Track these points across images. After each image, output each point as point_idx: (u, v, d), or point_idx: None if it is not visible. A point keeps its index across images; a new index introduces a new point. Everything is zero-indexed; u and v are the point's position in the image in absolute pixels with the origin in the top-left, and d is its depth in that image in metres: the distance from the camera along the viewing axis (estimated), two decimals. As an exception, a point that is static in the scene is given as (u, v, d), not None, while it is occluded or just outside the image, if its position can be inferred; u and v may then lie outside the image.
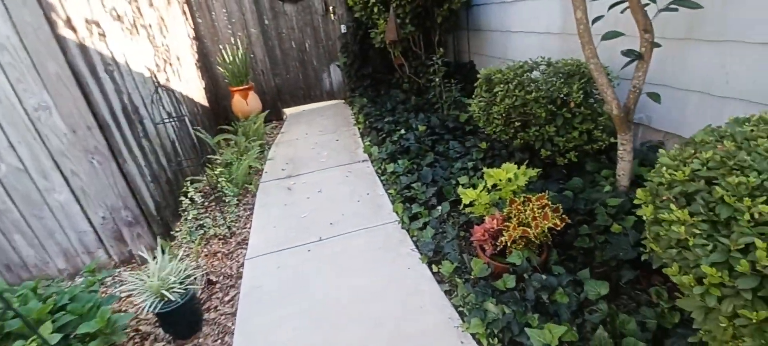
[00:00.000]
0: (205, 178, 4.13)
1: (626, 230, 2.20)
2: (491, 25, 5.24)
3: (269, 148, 5.18)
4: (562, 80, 2.90)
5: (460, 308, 2.08)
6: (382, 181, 3.77)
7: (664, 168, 1.44)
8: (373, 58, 6.46)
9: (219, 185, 3.82)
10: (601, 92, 2.37)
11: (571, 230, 2.38)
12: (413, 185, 3.33)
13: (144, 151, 3.31)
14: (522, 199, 2.34)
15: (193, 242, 3.20)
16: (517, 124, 3.04)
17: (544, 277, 2.04)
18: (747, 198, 1.12)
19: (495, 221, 2.30)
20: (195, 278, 2.62)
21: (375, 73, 6.58)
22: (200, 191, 4.02)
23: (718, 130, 1.50)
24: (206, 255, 3.12)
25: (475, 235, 2.37)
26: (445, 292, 2.27)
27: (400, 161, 3.74)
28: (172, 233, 3.42)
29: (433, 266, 2.45)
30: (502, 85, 3.05)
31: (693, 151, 1.43)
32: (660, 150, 1.66)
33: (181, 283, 2.24)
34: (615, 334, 1.79)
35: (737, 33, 2.45)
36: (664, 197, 1.37)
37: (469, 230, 2.81)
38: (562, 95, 2.81)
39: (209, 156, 4.60)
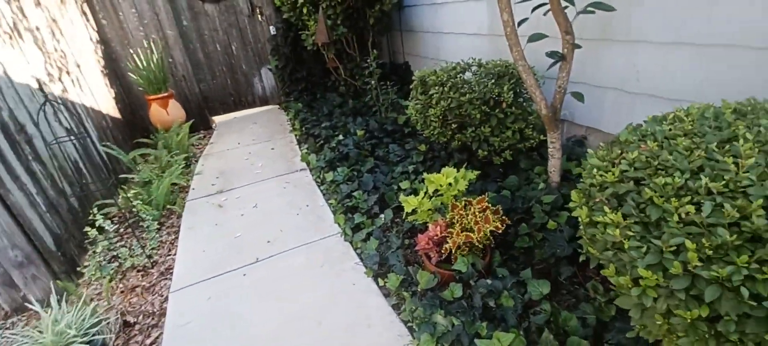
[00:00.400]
0: (117, 201, 3.65)
1: (561, 226, 2.28)
2: (423, 27, 5.28)
3: (196, 162, 4.74)
4: (493, 81, 2.95)
5: (409, 324, 2.00)
6: (321, 190, 3.59)
7: (595, 169, 1.46)
8: (307, 61, 6.22)
9: (135, 208, 3.38)
10: (529, 93, 2.43)
11: (511, 229, 2.41)
12: (354, 194, 3.20)
13: (35, 176, 2.81)
14: (463, 203, 2.32)
15: (104, 277, 2.78)
16: (453, 126, 3.05)
17: (489, 282, 2.03)
18: (674, 199, 1.15)
19: (438, 228, 2.25)
20: (108, 323, 2.26)
21: (310, 77, 6.34)
22: (112, 217, 3.54)
23: (640, 129, 1.57)
24: (122, 292, 2.73)
25: (419, 244, 2.31)
26: (393, 306, 2.18)
27: (339, 169, 3.59)
28: (79, 269, 2.95)
29: (379, 280, 2.35)
30: (437, 88, 3.04)
31: (620, 151, 1.47)
32: (588, 151, 1.70)
33: (84, 335, 1.90)
34: (558, 333, 1.82)
35: (641, 33, 2.65)
36: (597, 199, 1.39)
37: (414, 238, 2.75)
38: (494, 96, 2.86)
39: (124, 176, 4.08)
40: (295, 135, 5.08)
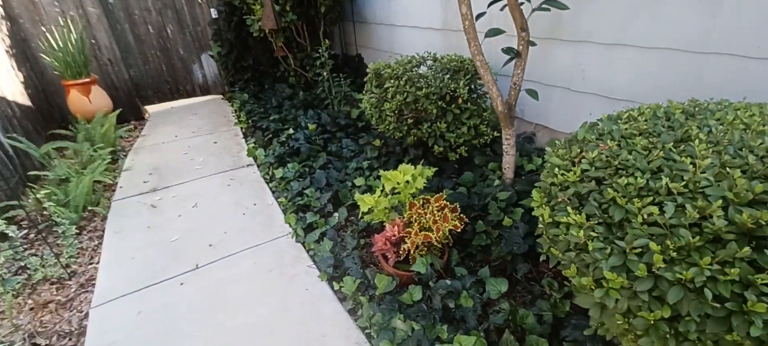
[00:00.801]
0: (25, 202, 3.15)
1: (516, 222, 2.29)
2: (376, 18, 5.15)
3: (125, 156, 4.26)
4: (449, 76, 2.91)
5: (367, 330, 1.89)
6: (270, 188, 3.36)
7: (556, 169, 1.44)
8: (253, 49, 5.84)
9: (47, 210, 2.93)
10: (486, 89, 2.41)
11: (468, 227, 2.39)
12: (306, 191, 3.03)
13: None
14: (421, 201, 2.25)
15: (7, 293, 2.37)
16: (409, 121, 2.97)
17: (448, 282, 1.97)
18: (636, 199, 1.15)
19: (396, 228, 2.16)
20: (10, 348, 1.92)
21: (257, 66, 5.97)
22: (19, 222, 3.05)
23: (596, 127, 1.58)
24: (32, 309, 2.34)
25: (376, 245, 2.21)
26: (350, 312, 2.06)
27: (290, 165, 3.38)
28: (-26, 284, 2.49)
29: (334, 284, 2.22)
30: (392, 81, 2.94)
31: (579, 150, 1.46)
32: (547, 149, 1.69)
33: (-24, 369, 1.57)
34: (516, 331, 1.81)
35: (587, 33, 2.74)
36: (560, 199, 1.37)
37: (370, 238, 2.64)
38: (450, 91, 2.82)
39: (35, 172, 3.54)
40: (241, 128, 4.74)
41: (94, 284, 2.45)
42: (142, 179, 3.73)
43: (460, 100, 2.83)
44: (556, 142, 1.81)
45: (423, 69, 3.10)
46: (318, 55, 5.36)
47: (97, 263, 2.66)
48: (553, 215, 1.37)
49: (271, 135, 4.14)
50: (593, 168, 1.33)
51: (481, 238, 2.25)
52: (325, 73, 4.37)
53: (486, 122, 2.96)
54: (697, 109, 1.48)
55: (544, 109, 3.30)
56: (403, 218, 2.25)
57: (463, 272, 2.09)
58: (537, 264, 2.19)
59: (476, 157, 3.12)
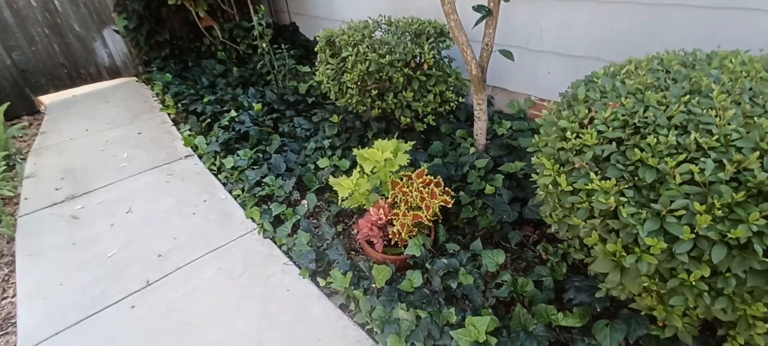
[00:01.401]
0: None
1: (499, 189, 2.24)
2: (313, -19, 4.72)
3: (24, 161, 3.50)
4: (412, 41, 2.72)
5: (368, 326, 1.74)
6: (221, 180, 2.97)
7: (567, 132, 1.36)
8: (168, 20, 5.08)
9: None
10: (460, 52, 2.27)
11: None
12: (265, 180, 2.71)
13: None
14: (404, 179, 2.10)
15: None
16: (374, 92, 2.76)
17: (445, 261, 1.87)
18: (668, 158, 1.10)
19: (381, 210, 1.99)
20: None
21: (175, 40, 5.23)
22: None
23: (595, 84, 1.52)
24: (-74, 371, 1.82)
25: (360, 231, 2.02)
26: (342, 308, 1.88)
27: (240, 152, 3.00)
28: None
29: (319, 279, 2.01)
30: (350, 49, 2.68)
31: (588, 110, 1.39)
32: (544, 111, 1.61)
33: None
34: (519, 300, 1.78)
35: (546, -10, 2.71)
36: (577, 165, 1.30)
37: (348, 223, 2.45)
38: (415, 56, 2.64)
39: None
40: (169, 113, 4.13)
41: (14, 324, 1.98)
42: (53, 185, 3.09)
43: (425, 66, 2.67)
44: (550, 103, 1.75)
45: (378, 34, 2.86)
46: (250, 24, 4.82)
47: (13, 296, 2.15)
48: (572, 181, 1.29)
49: (209, 119, 3.65)
50: (610, 128, 1.26)
51: (467, 210, 2.17)
52: (264, 45, 3.92)
53: (451, 88, 2.85)
54: (691, 59, 1.47)
55: (502, 71, 3.26)
56: (387, 198, 2.08)
57: (455, 248, 2.00)
58: (522, 228, 2.17)
59: (442, 126, 3.02)
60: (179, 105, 4.07)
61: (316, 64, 3.05)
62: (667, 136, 1.12)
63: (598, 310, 1.58)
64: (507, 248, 2.09)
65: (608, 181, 1.18)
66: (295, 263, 2.15)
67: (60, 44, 4.82)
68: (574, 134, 1.32)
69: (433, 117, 2.86)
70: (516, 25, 2.96)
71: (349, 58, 2.65)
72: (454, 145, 2.84)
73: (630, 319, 1.50)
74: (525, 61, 3.08)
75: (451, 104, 2.89)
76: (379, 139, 2.98)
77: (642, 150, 1.15)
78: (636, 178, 1.15)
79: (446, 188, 2.09)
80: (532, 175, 1.55)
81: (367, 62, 2.59)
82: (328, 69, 2.86)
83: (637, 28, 2.34)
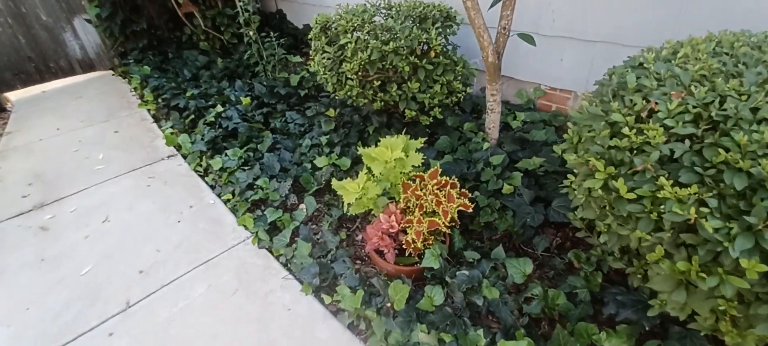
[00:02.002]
0: None
1: (518, 189, 2.04)
2: (302, -37, 4.42)
3: (-13, 165, 3.17)
4: (417, 26, 2.48)
5: (384, 352, 1.53)
6: (208, 183, 2.70)
7: (625, 127, 1.15)
8: (145, 8, 4.72)
9: None
10: (476, 36, 2.05)
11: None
12: (258, 182, 2.46)
13: None
14: (417, 180, 1.88)
15: None
16: (376, 83, 2.51)
17: (466, 273, 1.67)
18: (763, 159, 0.90)
19: (393, 217, 1.77)
20: None
21: (153, 30, 4.87)
22: None
23: (646, 69, 1.31)
24: None
25: (369, 241, 1.80)
26: (351, 327, 1.67)
27: (229, 151, 2.74)
28: None
29: (324, 296, 1.79)
30: (349, 35, 2.42)
31: (644, 100, 1.18)
32: (583, 102, 1.41)
33: None
34: (550, 316, 1.59)
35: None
36: (640, 167, 1.09)
37: (349, 226, 2.23)
38: (421, 43, 2.41)
39: None
40: (149, 110, 3.81)
41: (-31, 362, 1.71)
42: (20, 192, 2.78)
43: (432, 54, 2.44)
44: (585, 93, 1.54)
45: (377, 19, 2.61)
46: (234, 11, 4.50)
47: (-30, 327, 1.87)
48: (633, 186, 1.09)
49: (192, 116, 3.36)
50: (679, 123, 1.06)
51: (486, 213, 1.96)
52: (251, 34, 3.62)
53: (459, 78, 2.62)
54: (757, 41, 1.27)
55: (509, 58, 3.04)
56: (398, 202, 1.86)
57: (474, 256, 1.80)
58: (547, 232, 1.98)
59: (448, 119, 2.80)
60: (160, 100, 3.75)
61: (311, 53, 2.78)
62: (762, 132, 0.92)
63: (647, 329, 1.40)
64: (530, 254, 1.90)
65: (683, 188, 0.98)
66: (295, 277, 1.92)
67: (26, 36, 4.42)
68: (633, 130, 1.11)
69: (440, 109, 2.63)
70: (524, 7, 2.74)
71: (348, 45, 2.40)
72: (463, 139, 2.62)
73: (684, 338, 1.33)
74: (536, 48, 2.86)
75: (459, 95, 2.66)
76: (386, 136, 2.76)
77: (727, 150, 0.95)
78: (721, 184, 0.95)
79: (463, 190, 1.88)
80: (566, 175, 1.35)
81: (369, 50, 2.34)
82: (324, 58, 2.60)
83: (663, 8, 2.14)
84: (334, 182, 1.92)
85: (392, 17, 2.62)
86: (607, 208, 1.21)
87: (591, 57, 2.61)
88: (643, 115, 1.16)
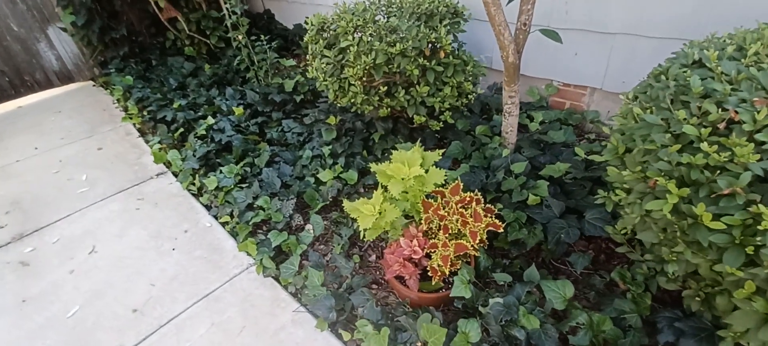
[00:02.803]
0: None
1: (545, 200, 1.88)
2: (291, -40, 4.19)
3: (-42, 193, 2.90)
4: (423, 24, 2.29)
5: (417, 400, 1.35)
6: (203, 203, 2.49)
7: (704, 143, 0.98)
8: (124, 14, 4.45)
9: None
10: (496, 35, 1.87)
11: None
12: (258, 202, 2.25)
13: None
14: (438, 198, 1.70)
15: None
16: (382, 89, 2.32)
17: (500, 301, 1.50)
18: None
19: (415, 240, 1.59)
20: None
21: (134, 36, 4.60)
22: None
23: (710, 70, 1.14)
24: None
25: (389, 267, 1.62)
26: (375, 370, 1.49)
27: (224, 168, 2.52)
28: None
29: (343, 332, 1.60)
30: (351, 37, 2.22)
31: (719, 109, 1.01)
32: (633, 107, 1.24)
33: None
34: (597, 343, 1.44)
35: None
36: (727, 190, 0.92)
37: (360, 245, 2.05)
38: (430, 42, 2.22)
39: None
40: (134, 123, 3.57)
41: None
42: (-5, 223, 2.54)
43: (442, 54, 2.25)
44: (630, 96, 1.37)
45: (379, 18, 2.42)
46: (219, 14, 4.26)
47: (-60, 388, 1.66)
48: (719, 213, 0.92)
49: (182, 129, 3.13)
50: (777, 138, 0.90)
51: (513, 229, 1.79)
52: (240, 37, 3.39)
53: (470, 78, 2.44)
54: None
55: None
56: (419, 224, 1.68)
57: (506, 279, 1.63)
58: (579, 246, 1.82)
59: (458, 123, 2.62)
60: (145, 112, 3.51)
61: (307, 57, 2.58)
62: None
63: (715, 361, 1.25)
64: (565, 272, 1.74)
65: (789, 217, 0.81)
66: (308, 310, 1.74)
67: (-5, 48, 4.12)
68: (714, 146, 0.95)
69: (450, 113, 2.45)
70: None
71: (350, 49, 2.20)
72: (477, 144, 2.45)
73: (758, 371, 1.17)
74: (545, 41, 2.68)
75: (470, 97, 2.48)
76: (393, 144, 2.58)
77: None
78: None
79: (488, 205, 1.71)
80: (599, 182, 1.19)
81: (374, 53, 2.15)
82: (323, 63, 2.39)
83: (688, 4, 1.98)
84: (346, 204, 1.73)
85: (395, 15, 2.42)
86: (680, 234, 1.05)
87: (608, 50, 2.45)
88: (720, 126, 0.99)
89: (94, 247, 2.26)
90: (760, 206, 0.85)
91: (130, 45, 4.54)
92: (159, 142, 3.08)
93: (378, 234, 1.74)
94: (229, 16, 3.30)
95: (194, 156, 2.72)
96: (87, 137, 3.47)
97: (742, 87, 1.03)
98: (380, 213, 1.63)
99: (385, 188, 1.69)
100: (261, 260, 1.95)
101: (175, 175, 2.79)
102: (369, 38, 2.18)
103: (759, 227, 0.84)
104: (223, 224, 2.29)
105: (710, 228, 0.94)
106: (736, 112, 0.97)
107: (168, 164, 2.88)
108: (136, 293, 1.94)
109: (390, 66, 2.19)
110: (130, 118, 3.58)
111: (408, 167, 1.66)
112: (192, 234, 2.28)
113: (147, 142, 3.25)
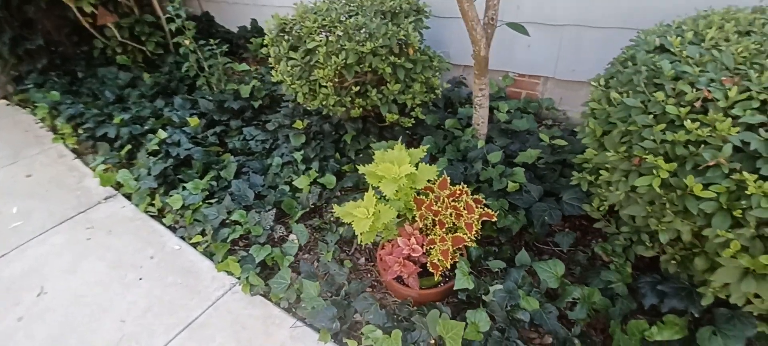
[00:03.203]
0: None
1: (524, 185, 1.97)
2: (232, -42, 3.97)
3: None
4: (391, 22, 2.28)
5: (436, 397, 1.36)
6: (167, 225, 2.29)
7: (686, 120, 1.08)
8: (40, 22, 3.93)
9: None
10: (468, 30, 1.92)
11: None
12: (233, 216, 2.12)
13: None
14: (430, 195, 1.71)
15: None
16: (354, 89, 2.29)
17: (501, 287, 1.55)
18: None
19: (413, 239, 1.60)
20: None
21: (54, 47, 4.11)
22: None
23: (676, 55, 1.27)
24: None
25: (388, 269, 1.61)
26: (386, 374, 1.47)
27: (188, 184, 2.34)
28: None
29: (347, 341, 1.56)
30: (319, 38, 2.16)
31: (691, 86, 1.13)
32: (613, 94, 1.33)
33: None
34: (593, 316, 1.54)
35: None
36: (712, 162, 1.03)
37: (347, 250, 2.01)
38: (399, 40, 2.22)
39: None
40: (67, 143, 3.17)
41: None
42: None
43: (411, 51, 2.27)
44: (600, 82, 1.48)
45: (343, 17, 2.37)
46: (154, 18, 3.94)
47: None
48: (707, 182, 1.03)
49: (129, 145, 2.84)
50: (747, 112, 1.01)
51: (500, 217, 1.86)
52: (187, 43, 3.15)
53: (437, 73, 2.49)
54: (755, 18, 1.29)
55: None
56: (413, 222, 1.69)
57: (499, 265, 1.70)
58: (557, 227, 1.94)
59: (427, 118, 2.66)
60: (80, 131, 3.13)
61: (270, 61, 2.46)
62: None
63: (696, 316, 1.39)
64: (550, 252, 1.84)
65: (765, 182, 0.93)
66: (306, 323, 1.67)
67: None
68: (696, 123, 1.05)
69: (421, 109, 2.48)
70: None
71: (319, 49, 2.14)
72: (448, 138, 2.50)
73: (731, 319, 1.33)
74: (501, 34, 2.81)
75: (437, 92, 2.53)
76: (365, 144, 2.56)
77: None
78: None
79: (476, 196, 1.75)
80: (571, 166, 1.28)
81: (344, 53, 2.10)
82: (290, 66, 2.30)
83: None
84: (337, 209, 1.68)
85: (358, 14, 2.39)
86: (668, 205, 1.15)
87: (558, 41, 2.62)
88: (696, 104, 1.11)
89: (42, 288, 1.98)
90: (744, 173, 0.96)
91: (49, 56, 4.02)
92: (103, 162, 2.77)
93: (374, 237, 1.71)
94: (174, 20, 3.05)
95: (149, 174, 2.48)
96: (11, 164, 3.02)
97: (708, 68, 1.16)
98: (375, 215, 1.61)
99: (380, 192, 1.67)
100: (247, 277, 1.83)
101: (128, 197, 2.53)
102: (338, 38, 2.13)
103: (746, 192, 0.95)
104: (195, 245, 2.12)
105: (700, 197, 1.05)
106: (709, 91, 1.09)
107: (118, 186, 2.60)
108: (104, 333, 1.73)
109: (361, 65, 2.16)
110: (62, 139, 3.18)
111: (397, 166, 1.66)
112: (160, 259, 2.09)
113: (87, 163, 2.91)
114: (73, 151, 3.11)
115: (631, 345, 1.34)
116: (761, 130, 0.99)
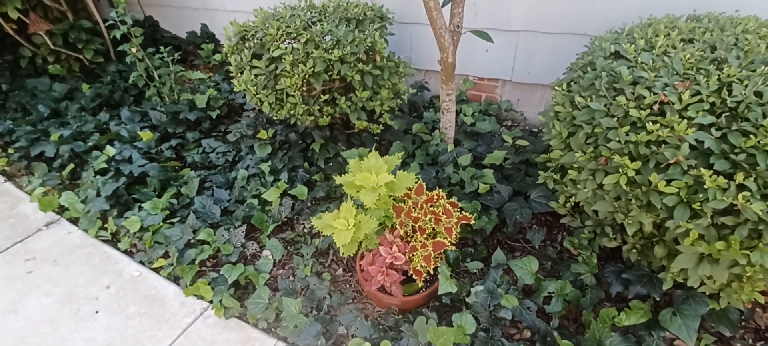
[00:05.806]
0: None
1: (495, 186, 2.05)
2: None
3: None
4: (357, 29, 2.27)
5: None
6: (123, 250, 2.11)
7: (648, 123, 1.18)
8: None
9: None
10: (436, 37, 1.95)
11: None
12: (199, 235, 2.00)
13: None
14: (408, 201, 1.72)
15: None
16: (322, 97, 2.24)
17: (481, 288, 1.60)
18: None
19: (395, 247, 1.60)
20: None
21: (-28, 56, 3.63)
22: None
23: (630, 61, 1.38)
24: None
25: (372, 280, 1.59)
26: (376, 386, 1.46)
27: (146, 204, 2.17)
28: None
29: (333, 357, 1.53)
30: (285, 46, 2.11)
31: (651, 92, 1.23)
32: (578, 98, 1.42)
33: None
34: (567, 307, 1.63)
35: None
36: (673, 160, 1.13)
37: (323, 261, 1.97)
38: (367, 47, 2.22)
39: None
40: (-7, 165, 2.83)
41: None
42: None
43: (378, 58, 2.27)
44: (562, 87, 1.57)
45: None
46: (91, 24, 3.64)
47: None
48: (669, 179, 1.12)
49: (71, 164, 2.59)
50: (698, 113, 1.12)
51: (475, 219, 1.91)
52: (134, 50, 2.92)
53: (403, 79, 2.51)
54: (698, 26, 1.44)
55: (435, 53, 3.06)
56: (393, 229, 1.69)
57: (477, 266, 1.75)
58: (530, 225, 2.03)
59: (395, 123, 2.68)
60: (10, 150, 2.81)
61: (231, 69, 2.36)
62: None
63: (658, 299, 1.51)
64: (522, 249, 1.92)
65: (719, 176, 1.04)
66: (289, 343, 1.61)
67: None
68: (657, 125, 1.15)
69: (389, 115, 2.50)
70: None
71: (285, 57, 2.08)
72: (417, 143, 2.54)
73: (687, 299, 1.47)
74: (463, 40, 2.91)
75: (404, 97, 2.56)
76: (334, 153, 2.52)
77: (753, 135, 1.03)
78: (757, 168, 1.03)
79: (452, 200, 1.79)
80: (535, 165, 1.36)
81: (312, 61, 2.06)
82: (253, 75, 2.22)
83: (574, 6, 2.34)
84: (315, 221, 1.64)
85: (322, 21, 2.36)
86: (634, 200, 1.25)
87: (514, 46, 2.75)
88: (654, 107, 1.21)
89: (-22, 331, 1.75)
90: (701, 169, 1.06)
91: (-36, 67, 3.57)
92: (41, 184, 2.50)
93: (349, 250, 1.69)
94: (118, 27, 2.82)
95: (99, 195, 2.28)
96: None
97: (662, 73, 1.27)
98: (356, 226, 1.59)
99: (359, 202, 1.65)
100: (220, 300, 1.74)
101: (74, 221, 2.30)
102: (304, 45, 2.08)
103: (703, 186, 1.05)
104: (158, 269, 1.98)
105: (662, 192, 1.14)
106: (665, 94, 1.19)
107: (61, 210, 2.36)
108: (58, 377, 1.57)
109: (330, 73, 2.13)
110: (-12, 160, 2.83)
111: (375, 175, 1.65)
112: (118, 288, 1.92)
113: (21, 186, 2.61)
114: (3, 173, 2.78)
115: (603, 332, 1.44)
116: (712, 130, 1.10)
